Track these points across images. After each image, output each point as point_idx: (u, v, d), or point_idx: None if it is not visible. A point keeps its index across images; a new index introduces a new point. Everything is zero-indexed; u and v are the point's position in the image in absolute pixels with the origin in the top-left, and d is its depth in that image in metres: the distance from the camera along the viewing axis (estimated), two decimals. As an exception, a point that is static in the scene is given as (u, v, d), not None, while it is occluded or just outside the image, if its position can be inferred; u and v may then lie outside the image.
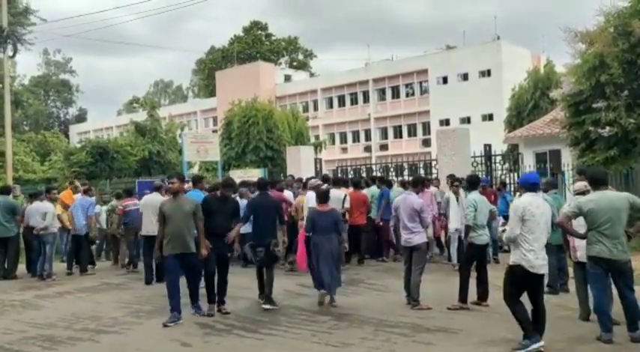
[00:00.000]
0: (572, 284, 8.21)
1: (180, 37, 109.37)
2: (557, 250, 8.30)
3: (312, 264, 8.17)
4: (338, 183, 11.58)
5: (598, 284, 5.99)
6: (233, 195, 8.73)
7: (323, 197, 8.34)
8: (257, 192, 8.83)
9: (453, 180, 10.98)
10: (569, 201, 7.44)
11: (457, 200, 10.39)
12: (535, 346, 5.56)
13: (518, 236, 5.68)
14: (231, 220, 7.73)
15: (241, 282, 9.10)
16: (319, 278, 7.99)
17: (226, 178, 9.23)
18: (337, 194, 10.58)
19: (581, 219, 6.12)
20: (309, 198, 10.04)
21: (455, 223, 10.31)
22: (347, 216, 10.87)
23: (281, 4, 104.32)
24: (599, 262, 5.91)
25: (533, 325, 5.68)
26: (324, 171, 20.57)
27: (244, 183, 12.15)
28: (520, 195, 6.91)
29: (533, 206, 5.75)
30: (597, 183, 6.12)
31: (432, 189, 11.92)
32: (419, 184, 8.52)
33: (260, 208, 8.03)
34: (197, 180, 10.51)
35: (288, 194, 11.72)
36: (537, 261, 5.67)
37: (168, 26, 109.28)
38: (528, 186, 6.04)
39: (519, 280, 5.75)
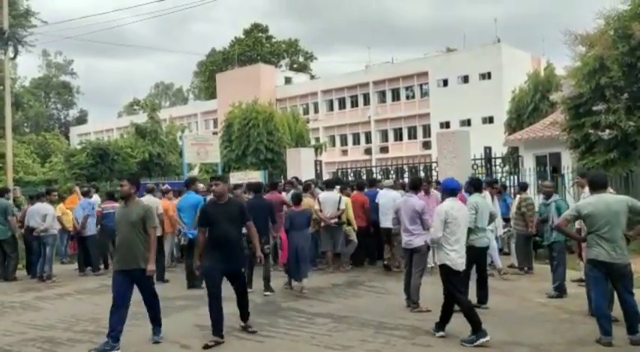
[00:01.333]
0: (571, 287, 8.24)
1: (181, 39, 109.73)
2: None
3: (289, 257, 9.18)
4: (333, 185, 11.58)
5: (597, 287, 5.99)
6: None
7: (297, 199, 9.54)
8: (252, 195, 9.71)
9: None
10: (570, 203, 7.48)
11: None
12: (482, 339, 5.90)
13: (441, 237, 6.26)
14: (239, 226, 6.63)
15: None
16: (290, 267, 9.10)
17: (213, 175, 9.43)
18: (332, 196, 11.04)
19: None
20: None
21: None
22: (343, 218, 10.99)
23: (282, 6, 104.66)
24: (597, 265, 5.91)
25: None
26: (324, 173, 20.58)
27: (248, 186, 11.98)
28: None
29: (454, 210, 6.35)
30: (596, 186, 6.14)
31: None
32: (418, 186, 8.51)
33: (256, 210, 8.47)
34: (190, 182, 10.36)
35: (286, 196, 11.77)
36: (459, 259, 6.30)
37: (169, 28, 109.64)
38: (449, 191, 6.57)
39: (450, 277, 6.29)
